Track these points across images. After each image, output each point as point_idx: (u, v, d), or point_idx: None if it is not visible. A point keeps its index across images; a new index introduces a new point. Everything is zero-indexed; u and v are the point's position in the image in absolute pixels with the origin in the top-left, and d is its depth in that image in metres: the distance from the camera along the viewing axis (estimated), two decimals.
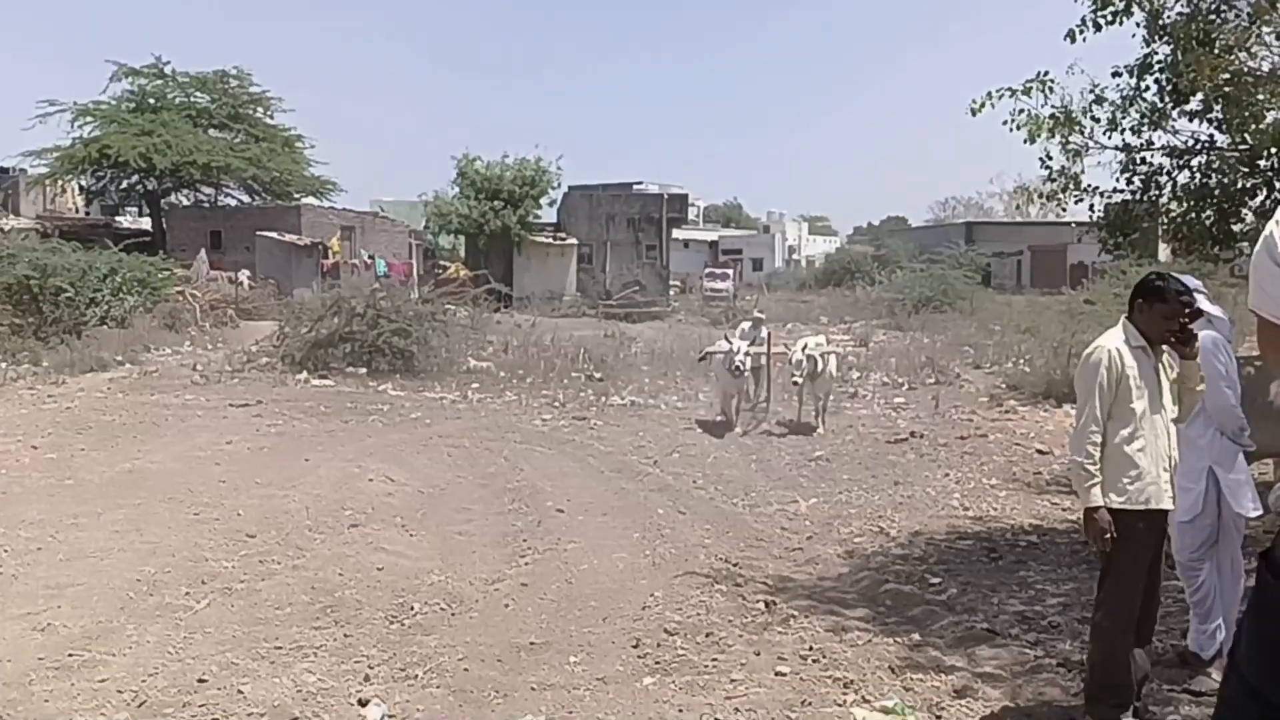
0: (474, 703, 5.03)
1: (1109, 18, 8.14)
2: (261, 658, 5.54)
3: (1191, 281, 4.79)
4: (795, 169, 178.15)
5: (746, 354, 14.02)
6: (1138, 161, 8.96)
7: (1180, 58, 8.12)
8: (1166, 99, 8.55)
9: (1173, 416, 4.54)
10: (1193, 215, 8.92)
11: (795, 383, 13.93)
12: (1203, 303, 5.53)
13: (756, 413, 14.88)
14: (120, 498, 9.16)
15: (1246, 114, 7.95)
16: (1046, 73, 8.43)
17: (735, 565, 7.53)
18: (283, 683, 5.19)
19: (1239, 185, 8.63)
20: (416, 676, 5.33)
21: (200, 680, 5.17)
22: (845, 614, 6.35)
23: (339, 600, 6.58)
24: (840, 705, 4.89)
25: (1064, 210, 9.94)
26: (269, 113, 39.57)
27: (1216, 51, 7.90)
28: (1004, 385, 17.51)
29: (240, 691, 5.05)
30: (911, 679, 5.20)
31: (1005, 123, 8.40)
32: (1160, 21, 8.32)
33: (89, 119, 35.29)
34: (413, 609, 6.46)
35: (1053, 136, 8.52)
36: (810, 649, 5.66)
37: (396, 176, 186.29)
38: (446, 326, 20.80)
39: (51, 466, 10.50)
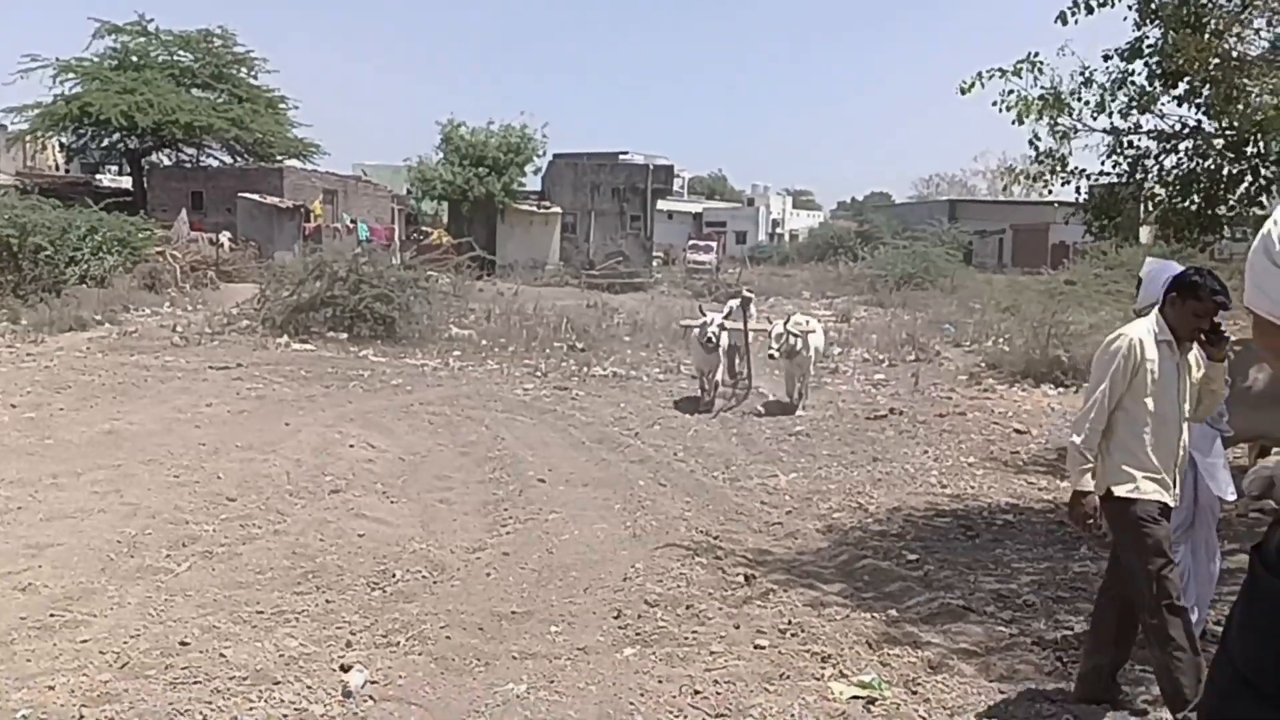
0: (455, 670, 5.06)
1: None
2: (243, 622, 5.56)
3: (1174, 266, 4.81)
4: (780, 143, 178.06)
5: (721, 326, 13.56)
6: (1125, 145, 8.99)
7: (1170, 41, 8.14)
8: (1155, 83, 8.57)
9: (1188, 415, 4.47)
10: (1178, 200, 8.97)
11: (771, 356, 13.64)
12: None
13: (739, 390, 14.59)
14: (100, 458, 9.13)
15: (1233, 99, 7.98)
16: (1037, 54, 8.42)
17: (715, 538, 7.59)
18: (264, 647, 5.21)
19: (1225, 171, 8.67)
20: (398, 643, 5.36)
21: (182, 643, 5.19)
22: (824, 589, 6.41)
23: (320, 566, 6.60)
24: (818, 679, 4.96)
25: (1049, 191, 9.97)
26: (253, 73, 39.03)
27: (1206, 36, 7.93)
28: (983, 364, 17.59)
29: (222, 655, 5.07)
30: (888, 654, 5.27)
31: (995, 103, 8.38)
32: (1151, 4, 8.33)
33: (70, 76, 34.75)
34: (394, 576, 6.49)
35: (1041, 118, 8.53)
36: (789, 623, 5.72)
37: (380, 140, 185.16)
38: (429, 293, 20.72)
39: (30, 425, 10.44)
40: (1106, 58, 8.71)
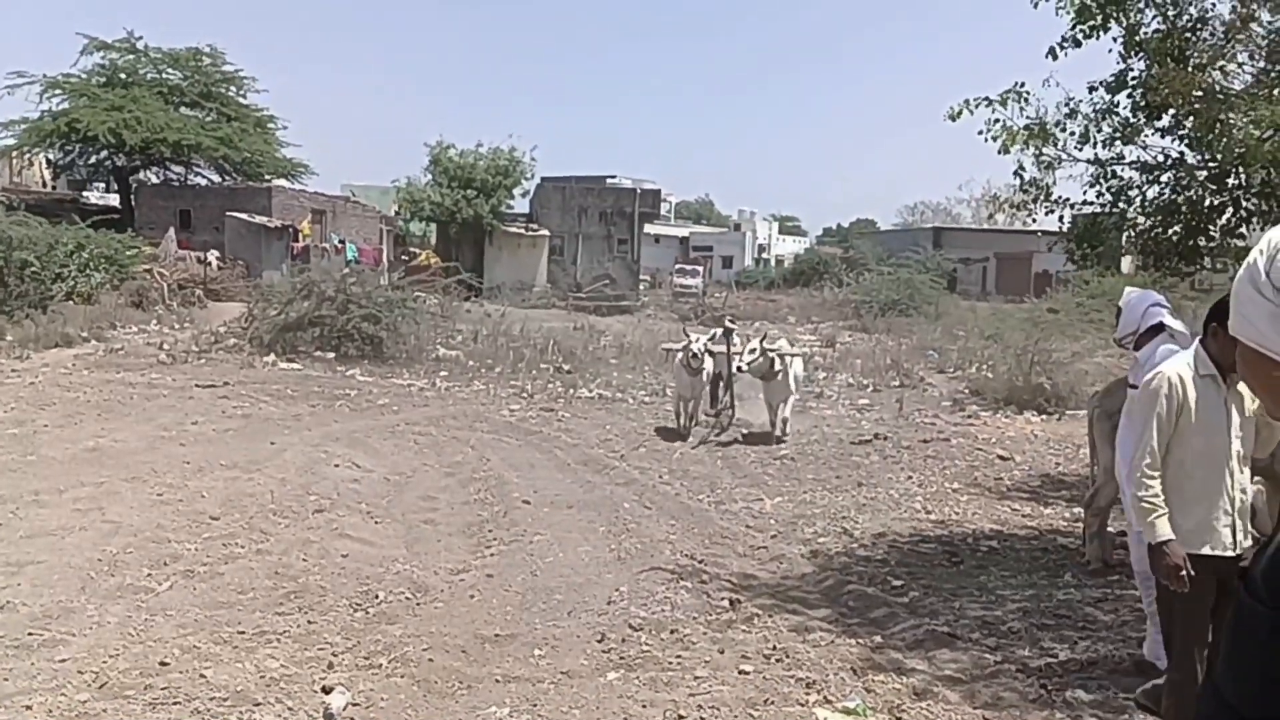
0: (438, 693, 5.04)
1: (1087, 31, 8.24)
2: (224, 642, 5.52)
3: (1154, 295, 4.85)
4: (767, 169, 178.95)
5: (705, 349, 13.36)
6: (1108, 175, 9.06)
7: (1154, 74, 8.24)
8: (1139, 114, 8.66)
9: (1246, 452, 4.16)
10: (1160, 230, 9.04)
11: (739, 369, 13.01)
12: (1165, 317, 5.63)
13: (721, 420, 14.07)
14: (83, 475, 9.08)
15: (1216, 131, 8.07)
16: (1023, 84, 8.52)
17: (700, 562, 7.57)
18: (245, 668, 5.17)
19: (1207, 202, 8.75)
20: (380, 665, 5.33)
21: (162, 663, 5.15)
22: (808, 614, 6.40)
23: (303, 586, 6.56)
24: (803, 705, 4.94)
25: (1033, 220, 10.05)
26: (242, 92, 39.06)
27: (1190, 69, 8.02)
28: (967, 390, 17.66)
29: (203, 676, 5.03)
30: (873, 680, 5.26)
31: (980, 133, 8.45)
32: (1136, 37, 8.43)
33: (58, 92, 34.67)
34: (377, 597, 6.46)
35: (1026, 148, 8.61)
36: (774, 648, 5.71)
37: (369, 161, 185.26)
38: (416, 314, 20.73)
39: (13, 442, 10.37)
40: (1092, 89, 8.81)
